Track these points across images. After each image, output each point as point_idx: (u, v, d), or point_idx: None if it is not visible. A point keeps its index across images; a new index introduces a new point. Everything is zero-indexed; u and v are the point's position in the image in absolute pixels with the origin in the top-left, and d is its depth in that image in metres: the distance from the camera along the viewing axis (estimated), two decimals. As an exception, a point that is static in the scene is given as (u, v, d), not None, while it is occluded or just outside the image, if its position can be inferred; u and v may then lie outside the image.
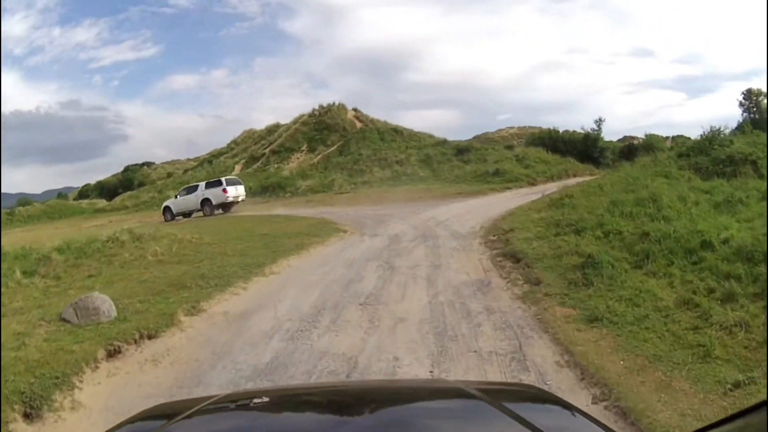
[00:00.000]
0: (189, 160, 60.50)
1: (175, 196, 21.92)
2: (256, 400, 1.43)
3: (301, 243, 10.31)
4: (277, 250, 9.50)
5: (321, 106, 34.88)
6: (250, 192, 25.19)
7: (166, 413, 1.43)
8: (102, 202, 37.83)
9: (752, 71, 67.77)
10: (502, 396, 1.43)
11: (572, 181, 23.13)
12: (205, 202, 20.47)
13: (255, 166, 32.40)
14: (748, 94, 36.64)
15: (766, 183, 9.09)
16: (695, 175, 10.75)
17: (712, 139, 12.44)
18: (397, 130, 33.69)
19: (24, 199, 43.42)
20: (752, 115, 34.96)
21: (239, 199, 20.82)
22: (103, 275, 8.32)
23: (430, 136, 34.13)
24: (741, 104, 37.45)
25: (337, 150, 31.46)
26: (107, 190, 48.14)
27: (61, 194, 51.46)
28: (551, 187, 18.93)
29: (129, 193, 39.12)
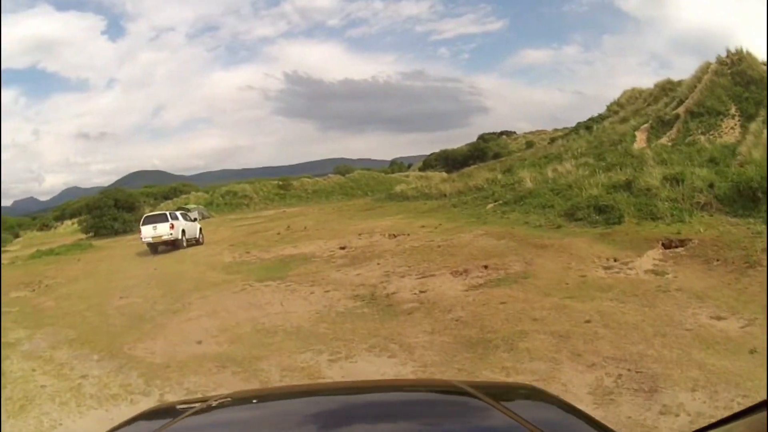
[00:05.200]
0: (556, 130, 52.18)
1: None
2: (255, 400, 1.59)
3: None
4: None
5: (730, 52, 23.04)
6: (717, 200, 10.55)
7: (166, 413, 1.47)
8: (436, 177, 32.63)
9: None
10: (501, 396, 1.41)
11: None
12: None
13: (670, 135, 19.34)
14: None
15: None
16: None
17: None
18: None
19: (342, 166, 42.05)
20: None
21: (164, 238, 16.62)
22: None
23: None
24: None
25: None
26: (452, 160, 42.85)
27: (395, 163, 51.12)
28: None
29: (468, 168, 32.39)
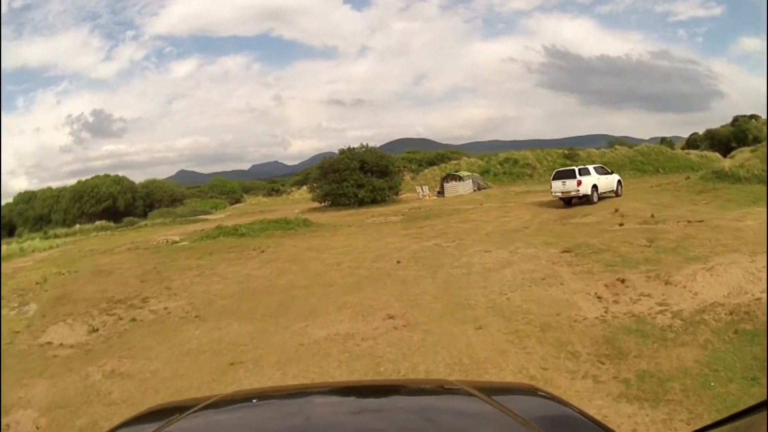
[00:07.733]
0: (796, 119, 52.64)
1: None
2: (255, 400, 1.53)
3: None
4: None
5: None
6: None
7: (166, 413, 1.41)
8: (713, 157, 28.76)
9: None
10: (501, 395, 1.39)
11: None
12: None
13: None
14: None
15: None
16: None
17: None
18: None
19: (617, 141, 41.21)
20: None
21: (572, 194, 16.59)
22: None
23: None
24: None
25: None
26: (718, 141, 41.49)
27: (665, 140, 48.46)
28: None
29: (739, 151, 27.67)
